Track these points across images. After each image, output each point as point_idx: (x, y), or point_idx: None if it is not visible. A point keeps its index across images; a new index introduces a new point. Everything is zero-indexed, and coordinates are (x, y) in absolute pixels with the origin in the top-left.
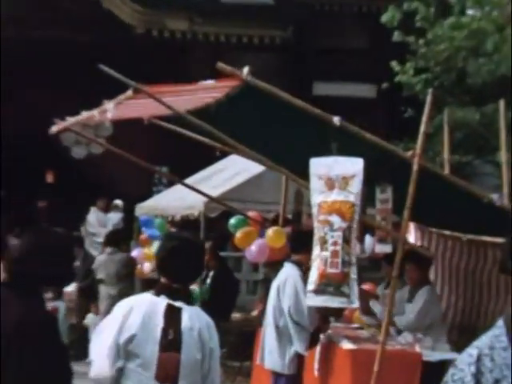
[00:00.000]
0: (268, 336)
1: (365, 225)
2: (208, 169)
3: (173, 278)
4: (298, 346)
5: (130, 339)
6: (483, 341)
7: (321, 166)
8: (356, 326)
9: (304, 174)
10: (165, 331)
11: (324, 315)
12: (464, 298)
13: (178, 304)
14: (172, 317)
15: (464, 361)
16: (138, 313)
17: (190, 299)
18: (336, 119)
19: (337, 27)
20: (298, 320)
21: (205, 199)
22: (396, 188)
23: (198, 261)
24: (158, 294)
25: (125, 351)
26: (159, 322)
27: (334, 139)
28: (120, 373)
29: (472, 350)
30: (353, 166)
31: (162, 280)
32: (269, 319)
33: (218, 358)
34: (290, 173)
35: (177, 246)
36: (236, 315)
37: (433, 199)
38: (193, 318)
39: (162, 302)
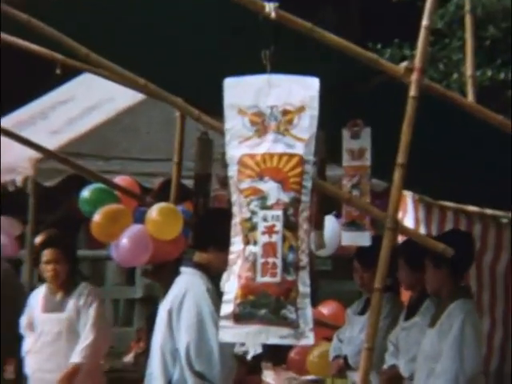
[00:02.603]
0: None
1: (324, 197)
2: (41, 100)
3: None
4: None
5: None
6: None
7: (243, 92)
8: (311, 378)
9: (213, 105)
10: None
11: (250, 361)
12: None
13: None
14: None
15: None
16: None
17: None
18: (270, 6)
19: None
20: (201, 370)
21: (35, 154)
22: (378, 130)
23: None
24: None
25: None
26: None
27: (268, 42)
28: None
29: None
30: (301, 91)
31: None
32: (154, 368)
33: None
34: (187, 104)
35: None
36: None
37: (443, 150)
38: None
39: None
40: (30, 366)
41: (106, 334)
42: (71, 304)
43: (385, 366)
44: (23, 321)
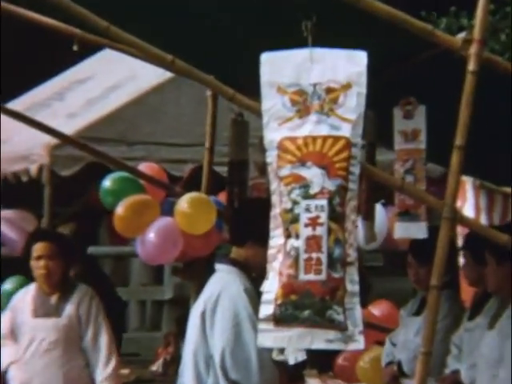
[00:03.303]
0: None
1: (373, 184)
2: (57, 80)
3: None
4: None
5: None
6: None
7: (282, 68)
8: None
9: (249, 83)
10: None
11: (292, 368)
12: None
13: None
14: None
15: None
16: None
17: None
18: None
19: None
20: (238, 379)
21: (50, 140)
22: (433, 109)
23: None
24: None
25: None
26: None
27: (309, 13)
28: None
29: None
30: (347, 66)
31: None
32: (186, 377)
33: None
34: (219, 82)
35: None
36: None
37: (506, 130)
38: None
39: None
40: (18, 378)
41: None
42: (70, 309)
43: (447, 371)
44: (3, 327)
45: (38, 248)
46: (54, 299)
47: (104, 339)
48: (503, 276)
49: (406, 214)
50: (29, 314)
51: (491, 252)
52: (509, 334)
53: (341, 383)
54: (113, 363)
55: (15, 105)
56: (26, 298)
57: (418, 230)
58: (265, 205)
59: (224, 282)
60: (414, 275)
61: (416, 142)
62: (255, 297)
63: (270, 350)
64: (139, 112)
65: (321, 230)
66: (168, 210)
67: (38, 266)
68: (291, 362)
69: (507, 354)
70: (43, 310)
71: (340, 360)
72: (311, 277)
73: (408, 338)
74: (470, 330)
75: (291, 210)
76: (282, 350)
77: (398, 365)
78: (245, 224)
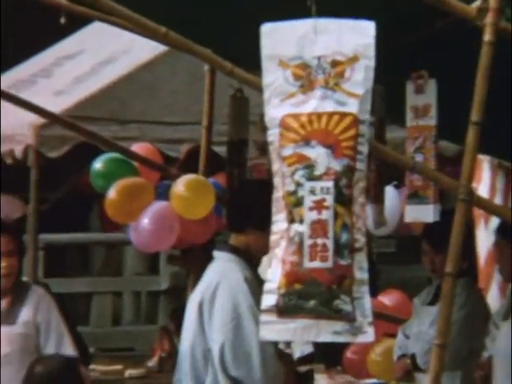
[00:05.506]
0: None
1: (383, 164)
2: (43, 55)
3: None
4: None
5: None
6: None
7: (284, 40)
8: (372, 382)
9: (249, 57)
10: None
11: (297, 365)
12: None
13: None
14: None
15: None
16: None
17: None
18: None
19: None
20: (238, 375)
21: (37, 120)
22: (446, 83)
23: None
24: None
25: None
26: None
27: None
28: None
29: None
30: (354, 38)
31: None
32: (183, 373)
33: None
34: (217, 56)
35: None
36: (105, 367)
37: None
38: None
39: None
40: None
41: None
42: (26, 315)
43: (485, 355)
44: None
45: None
46: (4, 303)
47: (68, 348)
48: None
49: (415, 196)
50: None
51: (505, 236)
52: None
53: (349, 379)
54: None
55: None
56: None
57: (426, 213)
58: (266, 187)
59: (223, 270)
60: (430, 263)
61: (427, 118)
62: (257, 287)
63: (273, 344)
64: (132, 89)
65: (326, 214)
66: (163, 193)
67: None
68: (297, 355)
69: None
70: None
71: (349, 353)
72: (317, 264)
73: (422, 329)
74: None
75: (295, 193)
76: (288, 344)
77: (412, 358)
78: (244, 208)
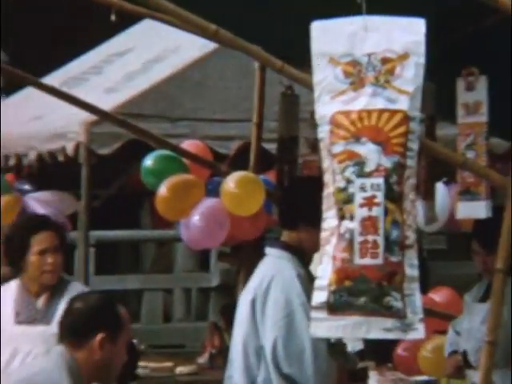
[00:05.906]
0: None
1: (434, 161)
2: (94, 53)
3: None
4: None
5: None
6: None
7: (334, 38)
8: (423, 379)
9: (299, 54)
10: None
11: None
12: None
13: None
14: None
15: None
16: None
17: None
18: None
19: None
20: (291, 372)
21: (88, 117)
22: (497, 79)
23: None
24: None
25: None
26: None
27: None
28: None
29: None
30: (404, 35)
31: None
32: (234, 370)
33: None
34: (267, 53)
35: None
36: (156, 364)
37: None
38: None
39: None
40: None
41: None
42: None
43: None
44: None
45: (43, 239)
46: (41, 302)
47: None
48: None
49: (468, 193)
50: (11, 320)
51: None
52: None
53: (400, 376)
54: None
55: (50, 80)
56: (5, 299)
57: (479, 210)
58: (317, 184)
59: (275, 267)
60: (482, 264)
61: (478, 115)
62: (309, 284)
63: (325, 341)
64: (182, 86)
65: (377, 211)
66: (214, 190)
67: (42, 263)
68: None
69: None
70: (28, 314)
71: (399, 350)
72: (367, 261)
73: (473, 326)
74: None
75: (345, 190)
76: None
77: (464, 355)
78: (297, 205)
